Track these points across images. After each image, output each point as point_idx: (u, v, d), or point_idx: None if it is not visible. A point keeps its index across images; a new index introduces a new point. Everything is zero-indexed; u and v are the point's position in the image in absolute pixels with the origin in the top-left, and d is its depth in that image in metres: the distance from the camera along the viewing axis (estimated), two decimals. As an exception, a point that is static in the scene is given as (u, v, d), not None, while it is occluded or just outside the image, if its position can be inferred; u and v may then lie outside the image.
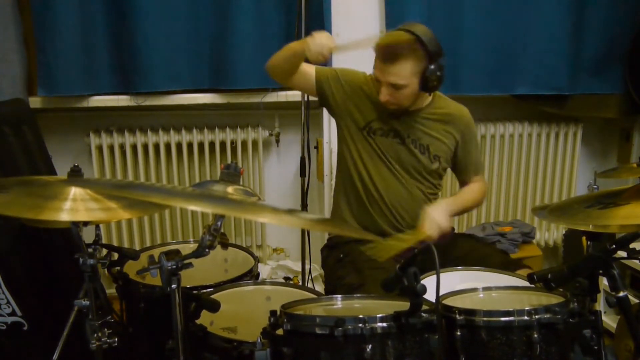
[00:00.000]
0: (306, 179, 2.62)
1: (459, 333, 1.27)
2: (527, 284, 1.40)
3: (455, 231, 2.22)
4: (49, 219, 1.19)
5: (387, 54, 1.75)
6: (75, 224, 1.29)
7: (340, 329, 1.13)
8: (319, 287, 2.85)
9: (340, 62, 2.67)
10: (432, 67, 1.75)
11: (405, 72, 1.75)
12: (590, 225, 1.34)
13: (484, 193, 2.06)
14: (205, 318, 1.48)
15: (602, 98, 2.87)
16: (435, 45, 1.75)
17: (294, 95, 2.65)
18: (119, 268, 1.75)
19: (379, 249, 1.72)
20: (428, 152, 1.94)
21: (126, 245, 2.77)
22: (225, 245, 1.35)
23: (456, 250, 1.91)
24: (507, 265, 1.81)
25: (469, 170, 2.03)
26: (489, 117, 2.98)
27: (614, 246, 1.27)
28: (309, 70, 1.97)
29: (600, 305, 2.41)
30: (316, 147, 2.79)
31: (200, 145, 2.75)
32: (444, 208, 1.82)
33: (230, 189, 1.25)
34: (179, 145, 2.73)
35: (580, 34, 2.76)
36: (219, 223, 1.20)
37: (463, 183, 2.06)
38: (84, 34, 2.46)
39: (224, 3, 2.51)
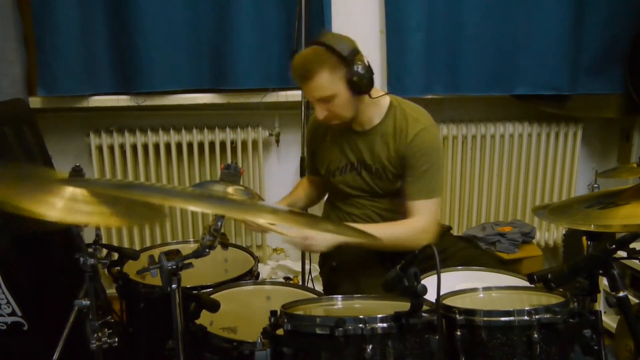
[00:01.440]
0: (306, 179, 2.62)
1: (459, 333, 1.27)
2: (527, 284, 1.40)
3: (456, 233, 2.23)
4: (38, 212, 1.16)
5: (300, 73, 1.70)
6: (75, 224, 1.29)
7: (340, 329, 1.13)
8: (319, 287, 2.84)
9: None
10: (354, 68, 1.67)
11: (325, 83, 1.68)
12: (592, 225, 1.34)
13: (415, 233, 1.75)
14: (205, 318, 1.48)
15: (602, 98, 2.88)
16: (346, 45, 1.68)
17: (294, 96, 2.65)
18: (119, 268, 1.75)
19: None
20: (385, 174, 1.82)
21: (126, 245, 2.77)
22: (225, 245, 1.35)
23: (449, 254, 1.89)
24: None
25: (410, 193, 1.78)
26: (489, 117, 2.98)
27: (614, 246, 1.27)
28: (317, 181, 2.05)
29: (600, 305, 2.41)
30: (316, 147, 2.79)
31: (200, 145, 2.75)
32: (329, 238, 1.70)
33: (230, 189, 1.25)
34: (179, 145, 2.73)
35: (580, 34, 2.76)
36: (219, 223, 1.20)
37: (404, 206, 1.82)
38: (84, 34, 2.46)
39: (224, 3, 2.51)
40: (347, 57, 1.67)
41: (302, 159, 2.61)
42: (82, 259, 1.29)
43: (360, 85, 1.70)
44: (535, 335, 1.22)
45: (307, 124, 2.59)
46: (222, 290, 1.70)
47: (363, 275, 1.77)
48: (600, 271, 1.28)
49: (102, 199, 1.24)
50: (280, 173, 2.93)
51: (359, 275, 1.79)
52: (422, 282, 1.11)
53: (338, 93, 1.70)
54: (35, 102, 2.52)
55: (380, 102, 1.82)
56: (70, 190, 1.24)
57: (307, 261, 2.74)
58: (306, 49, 1.76)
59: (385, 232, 1.75)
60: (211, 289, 1.68)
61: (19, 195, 1.18)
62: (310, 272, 2.78)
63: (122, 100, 2.59)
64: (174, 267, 1.19)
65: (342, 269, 1.87)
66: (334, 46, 1.67)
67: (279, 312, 1.25)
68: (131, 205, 1.27)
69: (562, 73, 2.78)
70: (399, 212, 1.83)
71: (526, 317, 1.23)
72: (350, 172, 1.87)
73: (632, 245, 1.31)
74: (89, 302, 1.31)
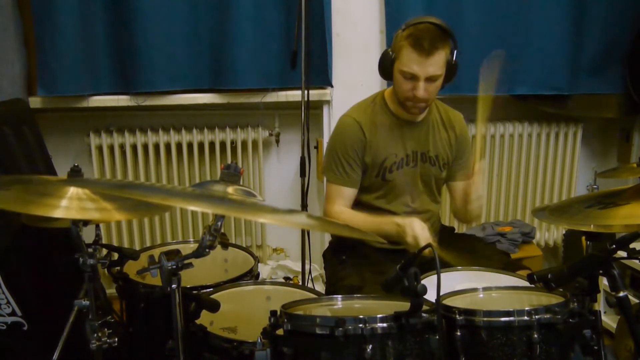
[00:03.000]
0: (306, 179, 2.62)
1: (459, 333, 1.27)
2: (527, 284, 1.40)
3: (456, 231, 2.23)
4: (43, 215, 1.18)
5: (424, 45, 1.71)
6: (75, 224, 1.29)
7: (340, 329, 1.13)
8: (319, 287, 2.85)
9: (340, 67, 2.69)
10: (453, 57, 1.80)
11: (441, 62, 1.75)
12: (592, 225, 1.34)
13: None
14: (205, 318, 1.48)
15: (602, 98, 2.88)
16: (454, 35, 1.79)
17: (294, 96, 2.65)
18: (119, 268, 1.74)
19: None
20: (438, 162, 1.93)
21: (126, 245, 2.77)
22: (225, 245, 1.34)
23: (456, 250, 1.90)
24: (507, 266, 1.81)
25: (460, 174, 1.97)
26: (489, 117, 2.97)
27: (614, 246, 1.27)
28: (350, 193, 1.90)
29: (600, 305, 2.41)
30: (316, 147, 2.79)
31: (200, 145, 2.75)
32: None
33: (230, 189, 1.25)
34: (179, 145, 2.73)
35: (580, 34, 2.76)
36: (219, 223, 1.20)
37: (453, 188, 2.01)
38: (84, 34, 2.46)
39: (224, 3, 2.51)
40: (454, 45, 1.78)
41: (302, 159, 2.61)
42: (82, 259, 1.29)
43: (452, 75, 1.82)
44: (535, 336, 1.22)
45: (307, 124, 2.59)
46: (222, 290, 1.70)
47: (369, 270, 1.78)
48: (600, 271, 1.28)
49: (103, 196, 1.25)
50: (280, 173, 2.93)
51: (365, 270, 1.80)
52: (422, 282, 1.11)
53: (442, 75, 1.77)
54: (35, 102, 2.52)
55: None
56: (72, 189, 1.25)
57: (307, 261, 2.74)
58: (424, 23, 1.75)
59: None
60: (211, 289, 1.68)
61: (22, 202, 1.20)
62: (310, 272, 2.78)
63: (122, 100, 2.59)
64: (174, 267, 1.19)
65: (350, 263, 1.87)
66: (450, 32, 1.76)
67: (279, 312, 1.25)
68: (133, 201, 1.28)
69: (562, 73, 2.79)
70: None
71: (526, 317, 1.23)
72: (407, 165, 1.90)
73: (632, 245, 1.31)
74: (89, 302, 1.31)
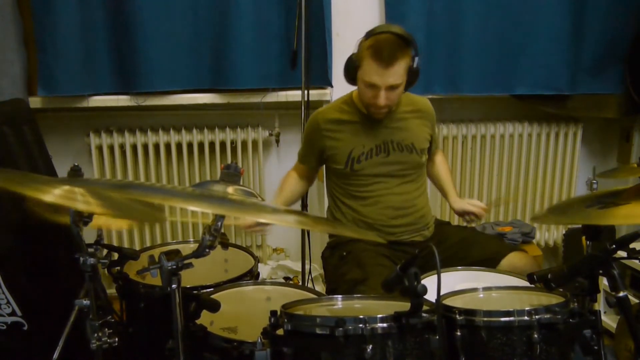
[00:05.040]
0: (306, 179, 2.62)
1: (459, 333, 1.27)
2: (527, 284, 1.40)
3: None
4: (33, 195, 1.17)
5: (385, 57, 1.77)
6: (75, 224, 1.29)
7: (340, 329, 1.13)
8: (319, 287, 2.85)
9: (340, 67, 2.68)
10: (414, 63, 1.83)
11: (401, 71, 1.80)
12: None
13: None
14: (205, 318, 1.48)
15: (602, 98, 2.87)
16: (415, 42, 1.83)
17: (294, 96, 2.65)
18: (119, 268, 1.74)
19: None
20: (415, 149, 1.99)
21: (126, 245, 2.77)
22: (225, 245, 1.34)
23: (451, 238, 2.00)
24: (502, 248, 1.91)
25: (434, 148, 2.15)
26: (489, 117, 2.98)
27: (614, 246, 1.27)
28: (302, 168, 2.12)
29: (600, 305, 2.41)
30: (316, 147, 2.79)
31: (200, 145, 2.75)
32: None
33: (230, 189, 1.25)
34: (179, 145, 2.73)
35: (580, 34, 2.76)
36: (219, 223, 1.20)
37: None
38: (84, 34, 2.46)
39: (224, 3, 2.51)
40: (415, 53, 1.83)
41: (302, 159, 2.61)
42: (82, 259, 1.29)
43: (414, 81, 1.88)
44: (535, 336, 1.22)
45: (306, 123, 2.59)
46: (222, 290, 1.70)
47: (370, 265, 1.79)
48: (600, 271, 1.28)
49: (103, 199, 1.25)
50: (280, 173, 2.91)
51: (367, 263, 1.81)
52: (422, 282, 1.11)
53: (403, 83, 1.84)
54: (35, 102, 2.52)
55: None
56: (69, 187, 1.25)
57: (307, 261, 2.74)
58: (385, 33, 1.81)
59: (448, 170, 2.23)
60: (211, 289, 1.68)
61: (29, 187, 1.19)
62: (310, 272, 2.78)
63: (122, 100, 2.59)
64: (174, 267, 1.19)
65: (351, 258, 1.89)
66: (411, 40, 1.81)
67: (279, 312, 1.25)
68: (132, 204, 1.28)
69: (562, 73, 2.78)
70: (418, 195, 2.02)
71: (526, 317, 1.23)
72: (377, 156, 1.95)
73: (632, 245, 1.31)
74: (89, 302, 1.31)
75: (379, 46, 1.77)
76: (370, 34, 1.82)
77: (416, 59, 1.83)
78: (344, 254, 1.92)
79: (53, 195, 1.19)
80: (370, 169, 1.95)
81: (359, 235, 1.84)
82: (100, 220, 1.50)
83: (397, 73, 1.79)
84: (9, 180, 1.23)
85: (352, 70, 1.86)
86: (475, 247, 1.92)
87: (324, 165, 2.08)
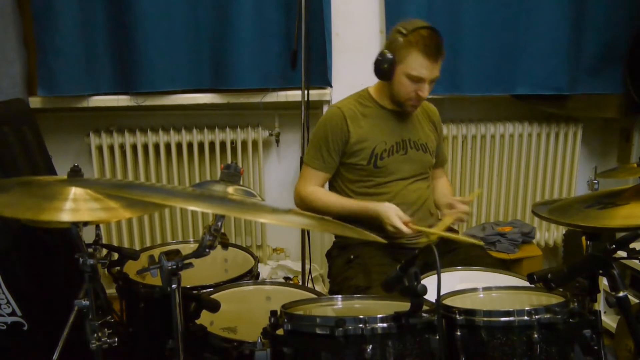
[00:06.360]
0: (306, 179, 2.62)
1: (459, 333, 1.27)
2: (527, 284, 1.40)
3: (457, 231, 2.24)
4: (49, 220, 1.18)
5: (432, 51, 1.83)
6: (76, 224, 1.29)
7: (340, 329, 1.13)
8: (319, 287, 2.85)
9: (340, 67, 2.69)
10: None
11: (440, 66, 1.88)
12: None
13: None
14: (205, 318, 1.48)
15: (602, 98, 2.88)
16: None
17: (294, 96, 2.65)
18: (119, 268, 1.75)
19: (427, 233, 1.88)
20: (428, 150, 2.04)
21: (126, 245, 2.77)
22: (225, 245, 1.34)
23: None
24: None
25: (438, 162, 2.18)
26: (489, 117, 2.98)
27: (614, 246, 1.27)
28: (323, 178, 2.02)
29: (600, 305, 2.41)
30: (316, 147, 2.79)
31: (200, 145, 2.75)
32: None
33: (230, 189, 1.25)
34: (179, 145, 2.73)
35: (580, 34, 2.76)
36: (219, 223, 1.20)
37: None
38: (84, 34, 2.46)
39: (224, 3, 2.51)
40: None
41: (302, 159, 2.60)
42: (81, 259, 1.29)
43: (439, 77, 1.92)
44: (535, 335, 1.22)
45: (307, 123, 2.59)
46: (222, 290, 1.70)
47: (376, 272, 1.78)
48: (600, 271, 1.28)
49: (106, 194, 1.25)
50: (280, 173, 2.93)
51: (372, 271, 1.80)
52: (422, 282, 1.11)
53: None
54: (35, 102, 2.52)
55: None
56: (73, 190, 1.25)
57: (307, 261, 2.74)
58: (426, 28, 1.84)
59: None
60: (211, 289, 1.68)
61: (26, 208, 1.19)
62: (310, 272, 2.78)
63: (122, 100, 2.59)
64: (174, 267, 1.19)
65: (357, 263, 1.88)
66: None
67: (279, 312, 1.25)
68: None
69: (562, 73, 2.78)
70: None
71: (526, 317, 1.23)
72: (398, 152, 1.97)
73: (632, 245, 1.31)
74: (88, 302, 1.31)
75: (426, 42, 1.82)
76: (409, 30, 1.84)
77: None
78: (351, 257, 1.91)
79: (66, 211, 1.19)
80: (392, 166, 1.96)
81: (359, 236, 1.83)
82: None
83: (440, 66, 1.87)
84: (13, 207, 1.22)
85: (388, 67, 1.86)
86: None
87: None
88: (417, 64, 1.83)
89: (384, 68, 1.87)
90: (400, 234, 1.81)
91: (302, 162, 2.58)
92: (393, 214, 1.82)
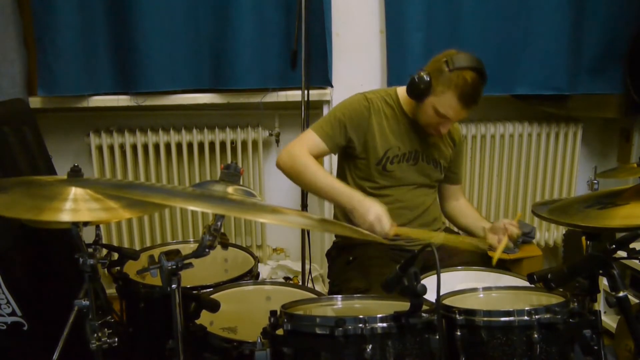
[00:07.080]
0: (306, 179, 2.62)
1: (459, 333, 1.27)
2: (527, 284, 1.40)
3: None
4: (49, 220, 1.18)
5: (468, 101, 1.76)
6: (76, 224, 1.29)
7: (340, 329, 1.13)
8: (319, 287, 2.85)
9: (340, 67, 2.69)
10: None
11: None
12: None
13: None
14: (205, 318, 1.48)
15: (602, 98, 2.87)
16: None
17: (294, 95, 2.65)
18: (119, 268, 1.75)
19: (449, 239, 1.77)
20: (439, 165, 2.01)
21: (126, 245, 2.77)
22: (225, 245, 1.35)
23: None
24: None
25: (453, 179, 2.10)
26: (489, 117, 2.98)
27: (614, 246, 1.27)
28: (323, 149, 1.90)
29: (600, 305, 2.41)
30: (316, 147, 2.78)
31: (200, 145, 2.75)
32: None
33: (230, 189, 1.25)
34: (179, 145, 2.73)
35: (580, 34, 2.76)
36: (219, 223, 1.20)
37: (444, 188, 2.11)
38: (84, 34, 2.46)
39: (224, 3, 2.51)
40: None
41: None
42: (81, 259, 1.29)
43: None
44: (535, 335, 1.22)
45: (307, 124, 2.59)
46: (222, 290, 1.70)
47: (375, 274, 1.77)
48: (600, 271, 1.28)
49: (107, 194, 1.25)
50: (280, 173, 2.92)
51: (371, 272, 1.79)
52: (422, 282, 1.11)
53: None
54: (35, 102, 2.52)
55: None
56: (73, 190, 1.25)
57: (307, 261, 2.74)
58: (473, 70, 1.76)
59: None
60: (211, 289, 1.68)
61: (26, 208, 1.20)
62: (310, 272, 2.78)
63: (122, 100, 2.59)
64: (174, 267, 1.19)
65: (357, 265, 1.87)
66: (486, 77, 1.79)
67: (279, 312, 1.25)
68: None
69: (562, 73, 2.78)
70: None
71: (526, 317, 1.23)
72: (408, 162, 1.94)
73: (632, 245, 1.31)
74: (88, 302, 1.31)
75: (467, 89, 1.74)
76: (456, 67, 1.75)
77: None
78: (351, 258, 1.90)
79: (67, 212, 1.19)
80: (399, 173, 1.93)
81: (359, 236, 1.83)
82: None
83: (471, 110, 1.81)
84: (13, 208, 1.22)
85: (423, 91, 1.79)
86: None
87: (339, 156, 2.02)
88: (449, 105, 1.76)
89: (416, 90, 1.80)
90: (374, 234, 1.65)
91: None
92: (376, 210, 1.69)
